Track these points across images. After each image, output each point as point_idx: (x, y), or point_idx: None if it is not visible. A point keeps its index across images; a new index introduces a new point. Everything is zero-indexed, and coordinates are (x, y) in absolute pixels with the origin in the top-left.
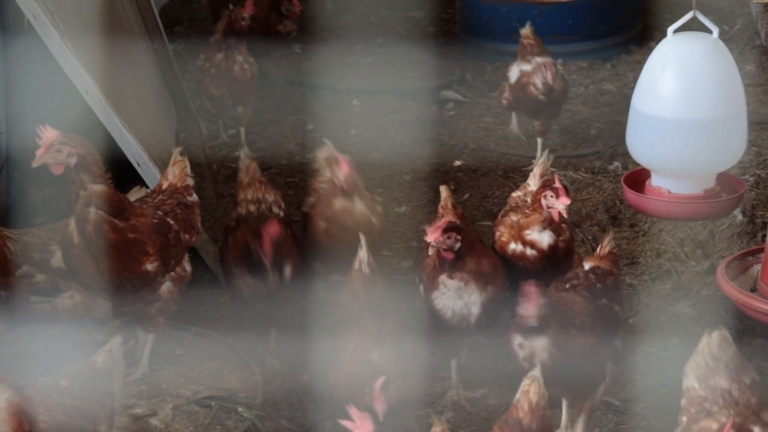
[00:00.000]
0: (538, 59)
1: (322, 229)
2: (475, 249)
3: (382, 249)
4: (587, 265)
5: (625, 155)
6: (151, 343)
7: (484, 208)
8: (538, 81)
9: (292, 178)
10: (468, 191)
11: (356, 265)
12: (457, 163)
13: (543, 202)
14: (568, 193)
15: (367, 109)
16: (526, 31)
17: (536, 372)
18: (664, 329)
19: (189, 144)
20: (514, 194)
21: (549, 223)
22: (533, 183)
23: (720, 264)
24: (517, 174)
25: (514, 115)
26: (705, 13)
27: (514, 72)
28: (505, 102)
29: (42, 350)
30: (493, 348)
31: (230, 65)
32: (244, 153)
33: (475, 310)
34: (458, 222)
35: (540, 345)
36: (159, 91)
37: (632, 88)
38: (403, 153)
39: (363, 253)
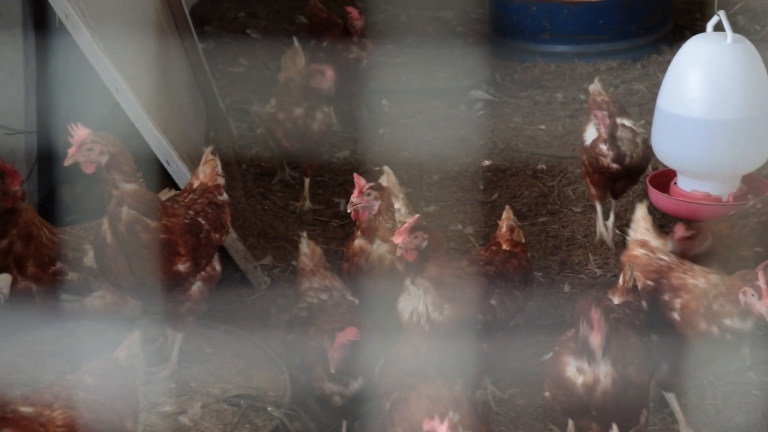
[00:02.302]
0: (618, 120)
1: (345, 269)
2: (442, 259)
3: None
4: (616, 300)
5: (656, 156)
6: (180, 341)
7: (513, 208)
8: (603, 146)
9: (322, 177)
10: (497, 191)
11: (413, 316)
12: (486, 162)
13: (741, 297)
14: None
15: (396, 108)
16: (595, 87)
17: None
18: None
19: (218, 143)
20: (636, 252)
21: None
22: (657, 243)
23: (757, 269)
24: (546, 174)
25: (612, 213)
26: (737, 14)
27: (590, 133)
28: (584, 168)
29: (72, 348)
30: (522, 348)
31: (309, 123)
32: (306, 237)
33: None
34: (510, 248)
35: (603, 371)
36: (189, 90)
37: None
38: (431, 153)
39: (420, 306)
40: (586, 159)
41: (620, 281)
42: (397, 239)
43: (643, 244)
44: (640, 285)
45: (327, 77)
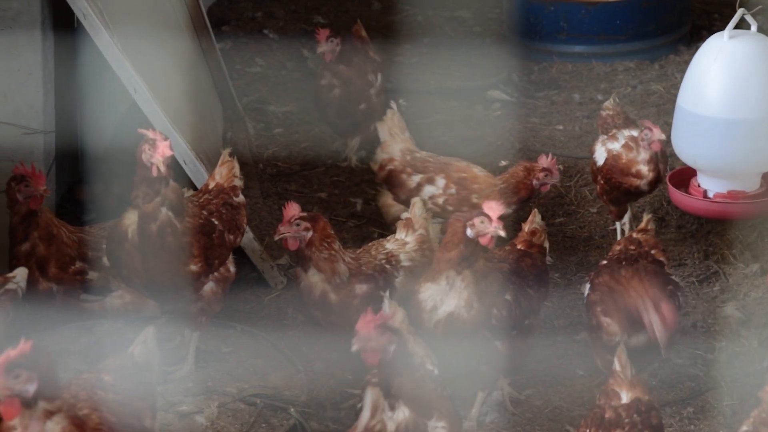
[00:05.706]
0: (626, 132)
1: None
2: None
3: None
4: (624, 396)
5: (672, 156)
6: (197, 340)
7: (530, 208)
8: (644, 167)
9: (338, 177)
10: None
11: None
12: (503, 163)
13: None
14: None
15: (413, 108)
16: (608, 103)
17: None
18: (712, 331)
19: (235, 143)
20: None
21: None
22: None
23: None
24: (563, 175)
25: (629, 213)
26: (756, 14)
27: (600, 153)
28: (599, 188)
29: (89, 347)
30: (539, 349)
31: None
32: (388, 297)
33: (443, 313)
34: (525, 248)
35: None
36: (206, 90)
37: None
38: (448, 153)
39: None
40: (602, 179)
41: (616, 366)
42: (497, 212)
43: None
44: (745, 428)
45: (554, 177)
